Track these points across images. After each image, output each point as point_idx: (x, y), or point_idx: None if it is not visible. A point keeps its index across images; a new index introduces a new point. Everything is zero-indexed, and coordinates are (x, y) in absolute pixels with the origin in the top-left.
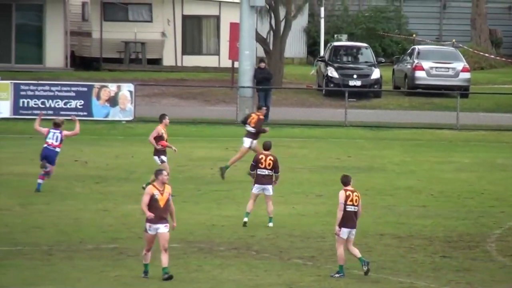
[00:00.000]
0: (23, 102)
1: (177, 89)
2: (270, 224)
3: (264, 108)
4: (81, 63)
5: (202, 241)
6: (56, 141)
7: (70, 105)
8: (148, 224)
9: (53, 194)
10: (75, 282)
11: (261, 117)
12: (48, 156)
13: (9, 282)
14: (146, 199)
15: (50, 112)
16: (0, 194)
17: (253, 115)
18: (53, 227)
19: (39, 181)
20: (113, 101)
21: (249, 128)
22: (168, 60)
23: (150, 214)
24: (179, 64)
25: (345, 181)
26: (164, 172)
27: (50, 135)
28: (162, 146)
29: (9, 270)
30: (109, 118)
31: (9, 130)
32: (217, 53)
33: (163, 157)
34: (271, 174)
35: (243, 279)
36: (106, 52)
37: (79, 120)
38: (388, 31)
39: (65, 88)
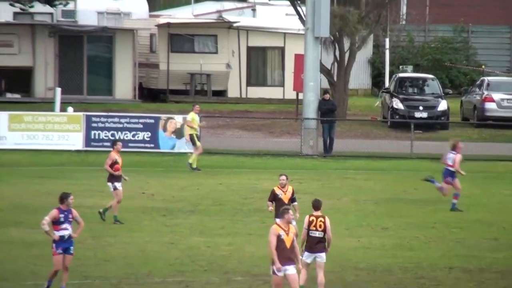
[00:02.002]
0: (94, 134)
1: (241, 121)
2: None
3: None
4: (149, 94)
5: (268, 274)
6: (452, 162)
7: (138, 137)
8: (275, 267)
9: (121, 227)
10: None
11: None
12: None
13: None
14: (273, 240)
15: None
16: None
17: None
18: (121, 260)
19: (453, 201)
20: (179, 133)
21: None
22: (233, 91)
23: (279, 266)
24: (243, 95)
25: (315, 205)
26: (291, 211)
27: (450, 156)
28: (117, 171)
29: None
30: (175, 150)
31: (81, 162)
32: (281, 84)
33: (117, 184)
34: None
35: None
36: (172, 83)
37: (147, 152)
38: (455, 62)
39: (133, 120)
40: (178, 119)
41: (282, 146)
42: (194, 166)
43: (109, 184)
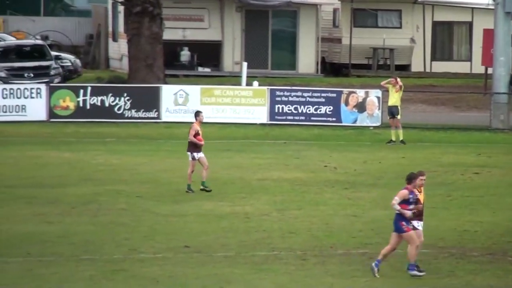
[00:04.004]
0: (278, 107)
1: (425, 95)
2: None
3: None
4: (331, 69)
5: (454, 246)
6: None
7: (320, 111)
8: None
9: (305, 200)
10: None
11: None
12: None
13: (268, 286)
14: None
15: (302, 118)
16: (259, 199)
17: None
18: (305, 232)
19: None
20: (361, 107)
21: None
22: (416, 66)
23: None
24: (427, 70)
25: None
26: None
27: None
28: (200, 141)
29: (267, 274)
30: (357, 124)
31: (265, 136)
32: (468, 59)
33: (195, 154)
34: None
35: (499, 284)
36: (354, 58)
37: (329, 125)
38: None
39: (315, 94)
40: (360, 93)
41: (468, 120)
42: (394, 139)
43: (189, 153)
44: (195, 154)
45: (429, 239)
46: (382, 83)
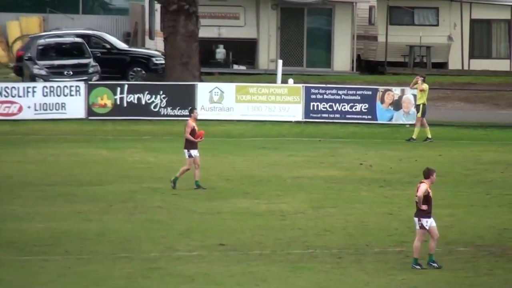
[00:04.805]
0: (313, 105)
1: (463, 93)
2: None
3: None
4: (366, 66)
5: (493, 245)
6: None
7: (355, 108)
8: None
9: (341, 198)
10: (364, 286)
11: None
12: None
13: (304, 285)
14: None
15: (337, 115)
16: (295, 197)
17: None
18: (341, 230)
19: None
20: (396, 104)
21: None
22: (454, 64)
23: None
24: (465, 68)
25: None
26: None
27: None
28: (198, 137)
29: (303, 273)
30: (393, 122)
31: (300, 133)
32: (507, 56)
33: (192, 151)
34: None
35: None
36: (390, 55)
37: (365, 123)
38: None
39: (351, 92)
40: (396, 91)
41: (508, 118)
42: (429, 136)
43: (185, 151)
44: (191, 151)
45: (468, 237)
46: (410, 86)
